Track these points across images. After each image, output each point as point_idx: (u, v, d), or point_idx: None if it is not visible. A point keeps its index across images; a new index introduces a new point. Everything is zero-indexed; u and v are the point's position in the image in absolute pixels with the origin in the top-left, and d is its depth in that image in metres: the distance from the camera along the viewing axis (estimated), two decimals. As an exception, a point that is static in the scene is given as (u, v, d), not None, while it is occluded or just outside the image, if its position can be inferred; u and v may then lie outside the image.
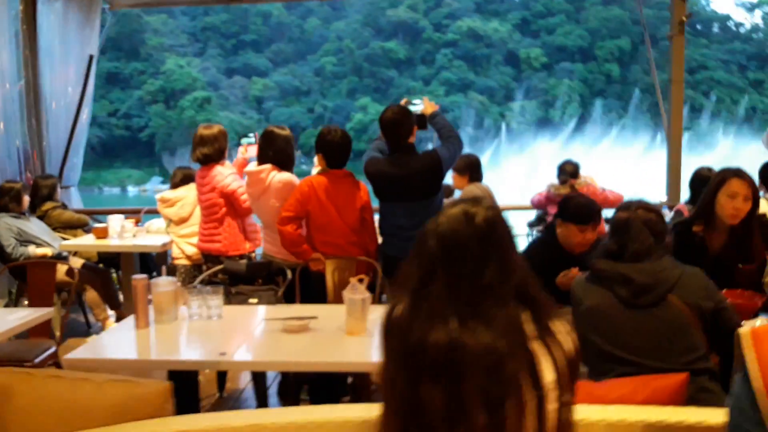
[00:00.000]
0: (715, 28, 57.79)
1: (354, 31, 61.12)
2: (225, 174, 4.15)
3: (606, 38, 55.83)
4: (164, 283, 2.84)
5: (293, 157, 3.70)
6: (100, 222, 5.48)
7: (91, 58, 5.75)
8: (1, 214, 4.67)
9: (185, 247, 4.67)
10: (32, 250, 4.69)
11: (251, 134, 4.52)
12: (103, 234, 4.87)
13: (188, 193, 4.73)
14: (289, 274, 3.53)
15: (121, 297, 5.05)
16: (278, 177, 3.58)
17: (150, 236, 4.92)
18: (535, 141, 47.39)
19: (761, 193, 4.26)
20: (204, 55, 57.92)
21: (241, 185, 4.18)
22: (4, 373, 1.68)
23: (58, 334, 3.62)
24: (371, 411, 1.46)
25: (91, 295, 4.74)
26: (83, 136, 5.92)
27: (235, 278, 3.60)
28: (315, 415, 1.61)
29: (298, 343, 2.56)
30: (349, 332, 2.62)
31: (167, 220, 4.78)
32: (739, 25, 56.92)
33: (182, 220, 4.70)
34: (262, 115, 57.24)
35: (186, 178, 4.81)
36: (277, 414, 1.62)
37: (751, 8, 56.00)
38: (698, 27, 57.36)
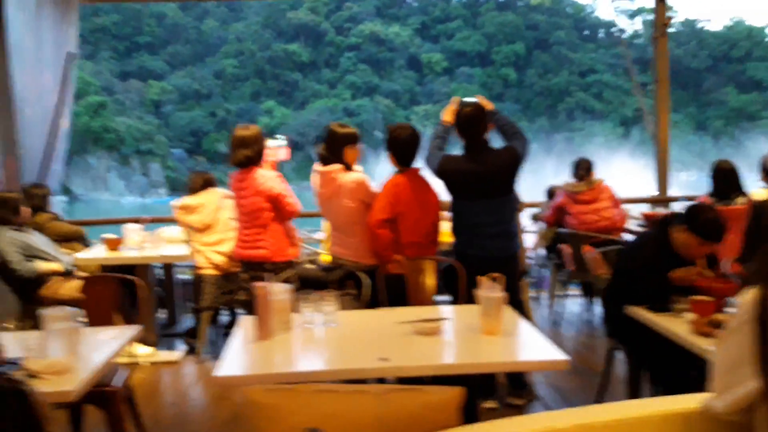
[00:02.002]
0: (601, 34, 61.69)
1: (254, 33, 60.04)
2: (267, 176, 3.98)
3: (502, 43, 58.19)
4: (281, 290, 2.70)
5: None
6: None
7: (68, 56, 5.32)
8: (1, 227, 4.22)
9: (212, 256, 4.43)
10: (39, 265, 4.27)
11: (281, 136, 4.36)
12: (115, 245, 4.52)
13: (210, 198, 4.50)
14: (363, 277, 3.44)
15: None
16: (351, 177, 3.48)
17: (170, 246, 4.63)
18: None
19: (763, 184, 4.64)
20: (96, 57, 54.80)
21: (286, 187, 4.03)
22: (270, 392, 1.54)
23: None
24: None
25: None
26: (64, 142, 5.46)
27: (306, 284, 3.47)
28: (638, 410, 1.58)
29: (439, 345, 2.51)
30: (487, 332, 2.60)
31: (187, 228, 4.52)
32: (622, 31, 61.06)
33: (206, 227, 4.46)
34: (161, 119, 54.98)
35: (206, 183, 4.57)
36: (590, 413, 1.57)
37: (631, 15, 60.23)
38: (585, 33, 61.09)
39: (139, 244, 4.48)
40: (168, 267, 5.20)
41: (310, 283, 3.47)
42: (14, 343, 2.40)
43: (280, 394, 1.52)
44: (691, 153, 50.13)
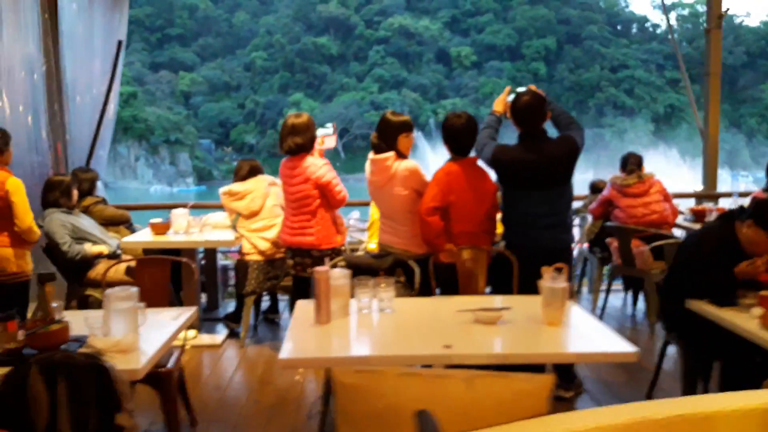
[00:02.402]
0: (634, 29, 60.69)
1: (284, 26, 60.28)
2: (318, 164, 3.97)
3: (533, 37, 57.56)
4: (340, 275, 2.68)
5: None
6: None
7: (119, 44, 5.36)
8: (51, 209, 4.27)
9: (258, 242, 4.44)
10: (88, 247, 4.32)
11: (329, 125, 4.34)
12: (162, 230, 4.54)
13: (258, 185, 4.50)
14: (413, 265, 3.40)
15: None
16: (404, 164, 3.44)
17: (216, 231, 4.64)
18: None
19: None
20: (128, 48, 55.48)
21: (335, 176, 4.01)
22: (357, 374, 1.51)
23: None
24: None
25: (152, 295, 4.41)
26: (110, 128, 5.51)
27: (356, 271, 3.43)
28: (711, 405, 1.54)
29: (501, 334, 2.47)
30: (549, 322, 2.55)
31: (234, 214, 4.53)
32: (656, 26, 59.99)
33: (253, 214, 4.46)
34: (190, 110, 55.58)
35: (253, 170, 4.56)
36: (663, 406, 1.54)
37: (667, 10, 59.06)
38: (618, 27, 60.14)
39: (186, 229, 4.50)
40: (210, 252, 5.22)
41: (360, 270, 3.42)
42: (78, 321, 2.42)
43: (368, 376, 1.50)
44: (723, 151, 49.13)
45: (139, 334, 2.39)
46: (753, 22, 59.61)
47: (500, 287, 3.50)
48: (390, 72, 58.07)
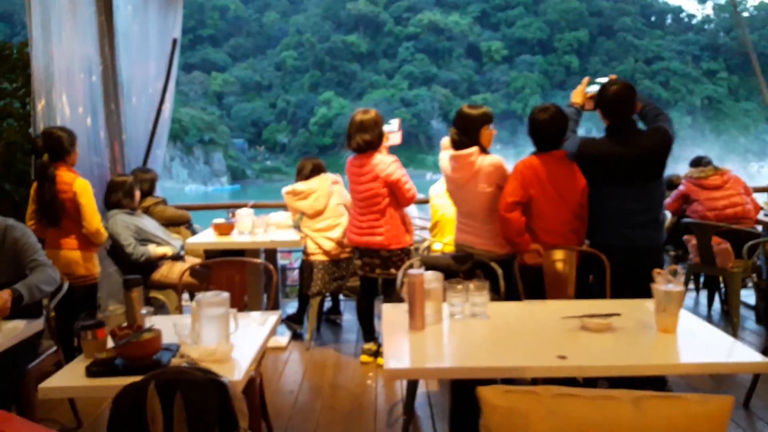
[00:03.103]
0: (669, 20, 59.43)
1: (314, 24, 60.49)
2: (388, 162, 3.82)
3: (565, 30, 56.77)
4: (433, 278, 2.53)
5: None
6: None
7: (174, 42, 5.29)
8: (115, 210, 4.21)
9: (322, 242, 4.32)
10: (152, 249, 4.25)
11: (393, 121, 4.19)
12: (226, 230, 4.45)
13: (321, 184, 4.37)
14: (495, 267, 3.24)
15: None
16: (489, 159, 3.27)
17: (280, 231, 4.53)
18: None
19: None
20: (160, 50, 56.30)
21: (404, 173, 3.87)
22: (508, 394, 1.36)
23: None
24: None
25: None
26: (167, 127, 5.45)
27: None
28: None
29: (616, 343, 2.28)
30: (663, 329, 2.36)
31: (298, 214, 4.41)
32: (691, 16, 58.70)
33: (317, 213, 4.34)
34: (223, 110, 56.19)
35: (316, 169, 4.44)
36: None
37: (702, 0, 57.80)
38: (652, 19, 58.97)
39: (251, 229, 4.40)
40: (270, 252, 5.12)
41: (437, 271, 3.28)
42: (164, 328, 2.31)
43: (520, 397, 1.34)
44: (764, 142, 47.92)
45: (229, 341, 2.27)
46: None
47: (583, 290, 3.31)
48: (420, 68, 57.87)
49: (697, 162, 4.86)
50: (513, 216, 3.10)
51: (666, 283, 2.39)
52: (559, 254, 3.18)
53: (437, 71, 57.79)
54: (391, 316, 2.63)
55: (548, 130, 3.17)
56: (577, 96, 3.47)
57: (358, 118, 3.86)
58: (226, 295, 2.30)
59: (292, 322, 4.70)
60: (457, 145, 3.35)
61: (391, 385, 3.78)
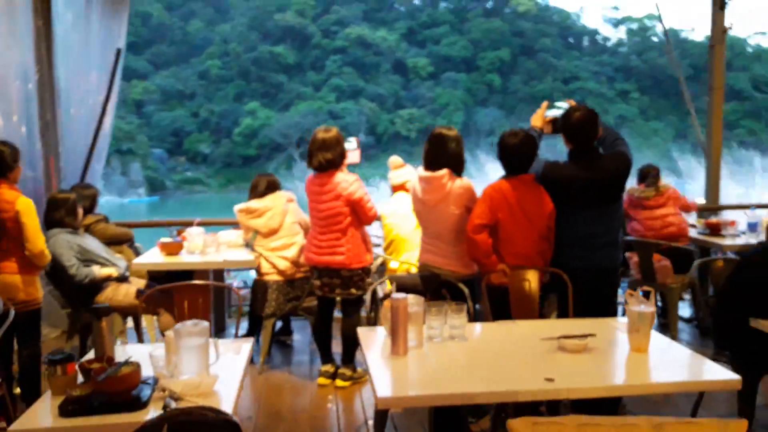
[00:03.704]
0: (586, 42, 62.31)
1: (240, 34, 59.58)
2: (350, 181, 3.79)
3: (488, 49, 58.41)
4: (415, 302, 2.52)
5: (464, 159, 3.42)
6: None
7: (118, 52, 5.07)
8: (56, 230, 3.96)
9: (277, 261, 4.22)
10: (96, 270, 4.02)
11: (351, 139, 4.17)
12: (175, 249, 4.28)
13: (276, 201, 4.28)
14: (462, 287, 3.26)
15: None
16: (459, 183, 3.29)
17: (232, 251, 4.39)
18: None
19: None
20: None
21: (366, 192, 3.85)
22: (536, 426, 1.36)
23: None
24: None
25: (165, 319, 4.12)
26: (107, 141, 5.19)
27: (404, 293, 3.27)
28: None
29: (595, 363, 2.34)
30: (636, 349, 2.45)
31: (251, 232, 4.30)
32: (606, 39, 61.78)
33: (272, 232, 4.24)
34: (142, 119, 54.27)
35: (270, 186, 4.35)
36: None
37: (616, 24, 60.95)
38: (570, 40, 61.67)
39: (203, 249, 4.25)
40: (218, 273, 4.97)
41: (406, 292, 3.27)
42: (143, 358, 2.18)
43: (547, 429, 1.35)
44: (672, 160, 50.72)
45: (209, 373, 2.17)
46: (698, 36, 61.85)
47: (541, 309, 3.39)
48: (347, 82, 58.03)
49: (645, 175, 5.00)
50: (480, 238, 3.14)
51: (639, 304, 2.48)
52: (523, 275, 3.24)
53: (365, 85, 58.10)
54: (369, 340, 2.60)
55: (517, 154, 3.23)
56: (537, 120, 3.56)
57: (320, 136, 3.81)
58: (205, 324, 2.20)
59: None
60: (429, 165, 3.35)
61: (352, 408, 3.73)
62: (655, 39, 58.66)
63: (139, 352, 2.41)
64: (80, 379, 2.14)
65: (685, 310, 5.39)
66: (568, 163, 3.29)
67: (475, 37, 58.95)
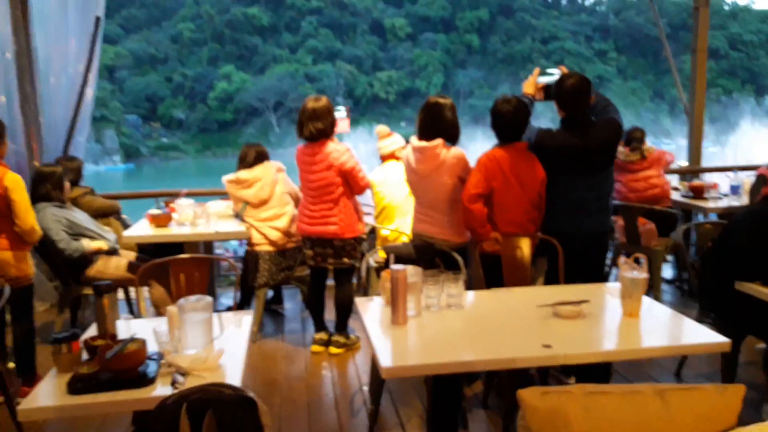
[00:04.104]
0: (564, 1, 61.83)
1: (213, -5, 58.10)
2: (341, 151, 3.78)
3: (466, 9, 57.74)
4: (414, 272, 2.55)
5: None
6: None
7: (97, 20, 4.94)
8: (43, 204, 3.91)
9: (268, 231, 4.22)
10: (86, 244, 4.00)
11: (341, 107, 4.15)
12: (164, 221, 4.26)
13: (266, 172, 4.26)
14: (456, 256, 3.30)
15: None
16: (453, 152, 3.30)
17: (223, 222, 4.37)
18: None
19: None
20: (44, 18, 52.26)
21: (358, 162, 3.85)
22: (546, 395, 1.41)
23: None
24: None
25: (157, 291, 4.11)
26: (89, 111, 5.09)
27: (399, 262, 3.31)
28: None
29: (590, 329, 2.41)
30: (629, 314, 2.52)
31: (241, 203, 4.29)
32: (584, -3, 61.38)
33: (262, 203, 4.24)
34: (115, 85, 53.09)
35: (259, 156, 4.32)
36: None
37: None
38: (549, 0, 61.12)
39: (193, 220, 4.23)
40: (209, 244, 4.95)
41: (401, 261, 3.31)
42: (144, 333, 2.19)
43: (557, 398, 1.40)
44: (647, 120, 51.05)
45: (213, 347, 2.20)
46: (675, -5, 61.67)
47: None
48: (324, 43, 57.13)
49: (630, 139, 5.03)
50: (476, 207, 3.17)
51: (631, 270, 2.54)
52: (515, 242, 3.29)
53: (342, 47, 57.28)
54: (368, 311, 2.64)
55: (511, 121, 3.24)
56: (529, 87, 3.57)
57: (310, 105, 3.78)
58: (209, 299, 2.22)
59: (235, 313, 4.58)
60: (423, 135, 3.35)
61: (346, 374, 3.80)
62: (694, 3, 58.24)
63: (140, 327, 2.44)
64: (85, 356, 2.15)
65: (667, 271, 5.52)
66: (562, 131, 3.31)
67: (453, -3, 58.15)
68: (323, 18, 58.31)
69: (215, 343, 2.22)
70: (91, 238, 4.06)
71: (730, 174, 5.14)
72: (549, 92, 3.50)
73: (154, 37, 57.11)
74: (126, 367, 1.99)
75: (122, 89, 53.74)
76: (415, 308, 2.53)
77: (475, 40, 57.18)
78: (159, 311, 4.20)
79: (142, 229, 4.28)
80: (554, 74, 3.57)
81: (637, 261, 2.56)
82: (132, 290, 4.57)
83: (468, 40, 57.10)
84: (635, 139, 4.94)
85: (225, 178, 4.29)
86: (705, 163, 6.10)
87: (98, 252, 4.08)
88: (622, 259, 2.59)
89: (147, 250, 4.53)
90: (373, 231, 4.53)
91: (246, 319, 2.57)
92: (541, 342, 2.24)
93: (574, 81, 3.25)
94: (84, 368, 2.00)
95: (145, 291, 4.31)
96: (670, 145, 45.20)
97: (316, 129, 3.75)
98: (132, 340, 2.06)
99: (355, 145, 4.36)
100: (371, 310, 2.64)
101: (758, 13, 60.27)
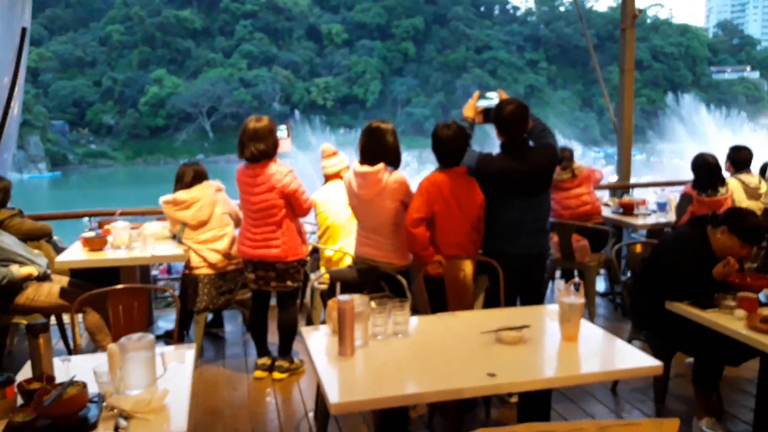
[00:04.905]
0: (497, 11, 63.36)
1: (143, -3, 56.61)
2: (284, 172, 3.75)
3: (402, 17, 58.35)
4: (361, 302, 2.56)
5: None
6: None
7: (23, 31, 4.74)
8: (-33, 228, 3.72)
9: (207, 254, 4.14)
10: (16, 270, 3.80)
11: (282, 127, 4.12)
12: (99, 245, 4.11)
13: (204, 192, 4.18)
14: (402, 279, 3.33)
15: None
16: (394, 177, 3.33)
17: (161, 245, 4.25)
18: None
19: (728, 174, 4.96)
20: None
21: (301, 184, 3.83)
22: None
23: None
24: None
25: (92, 318, 3.96)
26: (15, 127, 4.87)
27: (342, 287, 3.32)
28: None
29: (531, 355, 2.48)
30: (567, 338, 2.60)
31: (179, 225, 4.19)
32: (516, 8, 63.13)
33: (201, 224, 4.15)
34: (39, 89, 50.89)
35: (198, 176, 4.23)
36: None
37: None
38: (482, 9, 62.53)
39: (129, 243, 4.10)
40: (145, 267, 4.82)
41: (345, 285, 3.32)
42: (83, 373, 2.11)
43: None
44: (577, 128, 52.90)
45: (157, 386, 2.14)
46: (602, 7, 64.21)
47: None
48: (259, 48, 56.58)
49: (560, 158, 5.18)
50: (419, 231, 3.22)
51: (569, 296, 2.63)
52: (458, 264, 3.35)
53: (277, 51, 56.84)
54: (314, 340, 2.63)
55: (451, 147, 3.31)
56: (468, 110, 3.65)
57: (252, 126, 3.73)
58: (151, 337, 2.16)
59: (169, 338, 4.47)
60: (365, 159, 3.37)
61: (291, 400, 3.77)
62: (562, 9, 60.43)
63: (79, 366, 2.34)
64: (20, 401, 2.05)
65: (600, 284, 5.73)
66: (501, 155, 3.40)
67: (389, 4, 58.71)
68: (258, 22, 57.76)
69: (159, 382, 2.17)
70: (21, 263, 3.87)
71: (657, 190, 5.39)
72: (488, 115, 3.58)
73: (81, 39, 55.20)
74: (65, 413, 1.92)
75: (47, 93, 51.63)
76: (362, 337, 2.54)
77: (411, 48, 57.87)
78: (94, 338, 4.06)
79: (75, 254, 4.12)
80: (493, 98, 3.67)
81: (575, 287, 2.65)
82: (66, 317, 4.39)
83: (404, 48, 57.74)
84: (565, 158, 5.11)
85: (162, 199, 4.18)
86: (634, 170, 6.36)
87: (28, 278, 3.90)
88: (560, 284, 2.68)
89: (80, 274, 4.36)
90: (315, 251, 4.52)
91: (189, 354, 2.51)
92: (486, 370, 2.29)
93: (512, 107, 3.35)
94: (20, 416, 1.92)
95: (79, 316, 4.15)
96: (598, 153, 47.02)
97: (258, 150, 3.71)
98: (72, 383, 1.99)
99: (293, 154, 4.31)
100: (317, 340, 2.63)
101: (678, 27, 63.59)
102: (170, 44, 56.20)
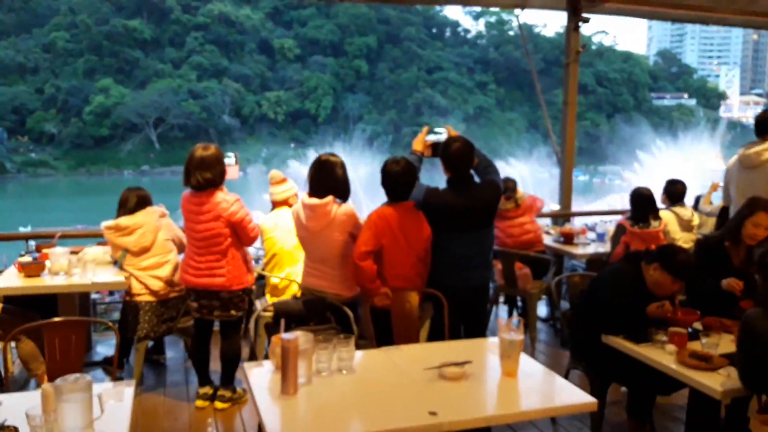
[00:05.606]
0: (448, 33, 64.48)
1: (90, 4, 55.40)
2: (230, 201, 3.72)
3: (355, 35, 58.77)
4: (305, 340, 2.56)
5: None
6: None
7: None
8: None
9: (149, 281, 4.06)
10: (-56, 298, 3.67)
11: (231, 154, 4.10)
12: (36, 271, 3.97)
13: (148, 218, 4.10)
14: (348, 311, 3.34)
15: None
16: (343, 209, 3.35)
17: (101, 271, 4.13)
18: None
19: (664, 206, 5.18)
20: None
21: (248, 213, 3.80)
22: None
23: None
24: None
25: (26, 346, 3.82)
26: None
27: (287, 319, 3.30)
28: None
29: (472, 391, 2.53)
30: (507, 373, 2.67)
31: (121, 250, 4.10)
32: (467, 31, 64.39)
33: (143, 250, 4.07)
34: (-24, 96, 48.97)
35: (141, 201, 4.16)
36: None
37: (476, 17, 63.61)
38: (434, 30, 63.56)
39: (68, 269, 3.98)
40: (84, 292, 4.68)
41: (291, 317, 3.32)
42: (14, 415, 2.05)
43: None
44: (524, 149, 54.07)
45: (93, 429, 2.09)
46: (549, 32, 66.25)
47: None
48: (209, 60, 56.00)
49: (505, 188, 5.30)
50: (366, 264, 3.25)
51: (509, 332, 2.70)
52: (405, 296, 3.39)
53: (228, 64, 56.35)
54: (257, 378, 2.61)
55: (400, 181, 3.37)
56: (418, 144, 3.72)
57: (198, 154, 3.70)
58: (88, 378, 2.11)
59: (108, 365, 4.35)
60: (314, 192, 3.38)
61: (232, 430, 3.72)
62: (511, 33, 61.98)
63: (10, 407, 2.27)
64: (-55, 447, 1.97)
65: (542, 309, 5.86)
66: (447, 191, 3.48)
67: (342, 22, 59.06)
68: (209, 34, 57.20)
69: (95, 425, 2.12)
70: (-50, 290, 3.72)
71: (598, 221, 5.58)
72: (436, 150, 3.66)
73: (23, 45, 53.51)
74: (-6, 461, 1.86)
75: (-15, 100, 49.73)
76: (305, 375, 2.54)
77: (363, 65, 58.26)
78: (27, 367, 3.92)
79: (10, 279, 3.97)
80: (441, 133, 3.76)
81: (515, 323, 2.72)
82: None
83: (357, 66, 58.08)
84: (509, 188, 5.25)
85: (104, 225, 4.09)
86: (576, 192, 6.56)
87: (-42, 305, 3.75)
88: (502, 317, 2.75)
89: (15, 299, 4.21)
90: (261, 277, 4.48)
91: (128, 392, 2.46)
92: (428, 408, 2.32)
93: (459, 145, 3.43)
94: (-56, 464, 1.85)
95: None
96: (542, 174, 48.20)
97: (204, 179, 3.67)
98: (2, 427, 1.92)
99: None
100: (259, 376, 2.62)
101: (621, 53, 66.05)
102: (118, 54, 55.05)
